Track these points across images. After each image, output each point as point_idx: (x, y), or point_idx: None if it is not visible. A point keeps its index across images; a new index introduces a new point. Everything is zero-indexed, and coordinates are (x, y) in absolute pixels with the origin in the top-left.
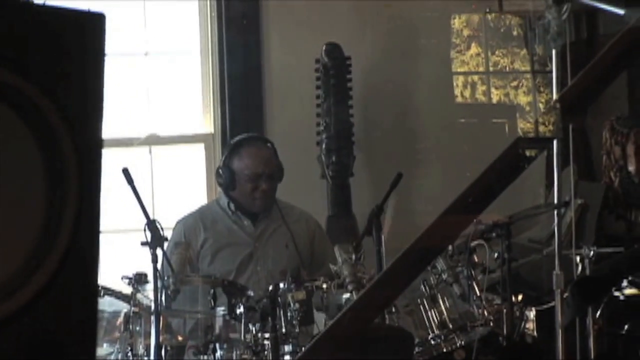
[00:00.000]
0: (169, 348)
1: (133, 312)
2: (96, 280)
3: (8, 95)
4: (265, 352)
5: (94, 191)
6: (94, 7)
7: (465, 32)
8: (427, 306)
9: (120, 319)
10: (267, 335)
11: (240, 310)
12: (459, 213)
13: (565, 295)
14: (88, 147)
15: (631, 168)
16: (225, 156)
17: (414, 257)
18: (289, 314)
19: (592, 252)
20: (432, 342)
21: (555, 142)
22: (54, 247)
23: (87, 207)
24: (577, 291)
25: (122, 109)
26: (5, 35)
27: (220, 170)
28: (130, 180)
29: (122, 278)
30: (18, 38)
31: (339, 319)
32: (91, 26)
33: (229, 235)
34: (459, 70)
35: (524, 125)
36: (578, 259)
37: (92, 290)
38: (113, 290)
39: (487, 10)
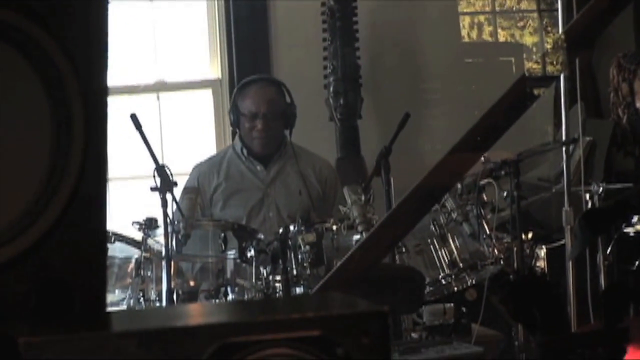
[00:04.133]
0: (180, 293)
1: (144, 258)
2: (104, 222)
3: (13, 36)
4: (277, 295)
5: (100, 133)
6: None
7: None
8: (437, 246)
9: (132, 265)
10: (278, 277)
11: (250, 253)
12: (466, 151)
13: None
14: (94, 90)
15: (639, 104)
16: (233, 97)
17: (422, 196)
18: (299, 256)
19: (601, 189)
20: (443, 281)
21: (562, 79)
22: (60, 189)
23: (94, 149)
24: (584, 223)
25: (129, 56)
26: None
27: (229, 112)
28: (138, 126)
29: (132, 224)
30: None
31: (348, 258)
32: None
33: (242, 180)
34: (466, 10)
35: (530, 66)
36: (587, 196)
37: (100, 233)
38: (124, 236)
39: None
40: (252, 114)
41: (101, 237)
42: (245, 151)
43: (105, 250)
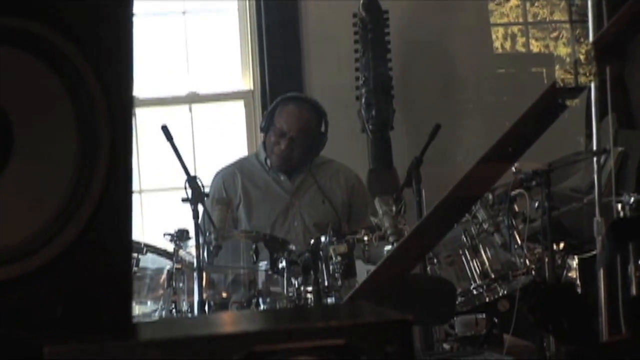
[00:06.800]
0: (212, 304)
1: (176, 269)
2: (130, 233)
3: (39, 47)
4: (308, 306)
5: (126, 146)
6: None
7: None
8: (468, 256)
9: (164, 276)
10: (309, 288)
11: (282, 264)
12: (495, 160)
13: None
14: (119, 100)
15: None
16: (273, 104)
17: (451, 206)
18: (331, 267)
19: (632, 199)
20: (475, 292)
21: (592, 89)
22: (87, 199)
23: (120, 160)
24: (612, 233)
25: (161, 68)
26: None
27: (263, 116)
28: (169, 137)
29: (164, 235)
30: None
31: (378, 269)
32: None
33: (266, 190)
34: (498, 22)
35: (562, 75)
36: (619, 206)
37: (126, 244)
38: (155, 248)
39: None
40: (281, 132)
41: (127, 248)
42: (269, 162)
43: (131, 261)
